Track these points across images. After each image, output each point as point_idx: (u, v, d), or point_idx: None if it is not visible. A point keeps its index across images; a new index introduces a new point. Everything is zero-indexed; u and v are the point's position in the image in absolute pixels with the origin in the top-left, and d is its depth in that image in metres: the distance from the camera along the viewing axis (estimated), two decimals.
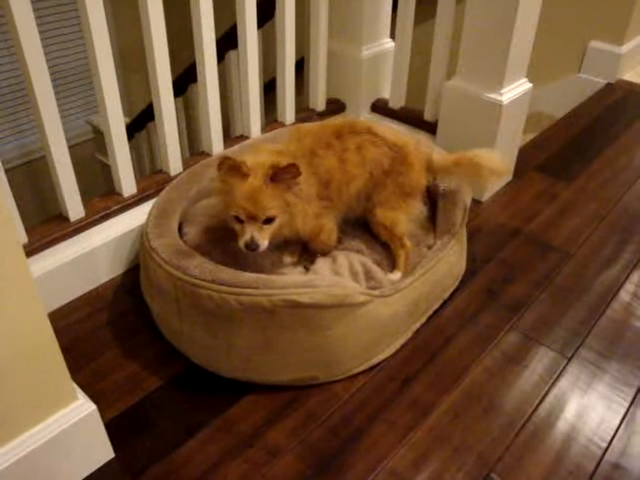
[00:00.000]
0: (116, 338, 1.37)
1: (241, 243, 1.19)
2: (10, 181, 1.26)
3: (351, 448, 1.14)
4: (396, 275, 1.37)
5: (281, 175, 1.15)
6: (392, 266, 1.40)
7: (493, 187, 1.86)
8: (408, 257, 1.39)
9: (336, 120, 1.40)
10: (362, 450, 1.13)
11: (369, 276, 1.31)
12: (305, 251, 1.39)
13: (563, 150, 2.15)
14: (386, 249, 1.42)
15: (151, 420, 1.19)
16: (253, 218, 1.17)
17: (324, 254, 1.38)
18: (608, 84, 2.64)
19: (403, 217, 1.40)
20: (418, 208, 1.44)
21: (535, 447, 1.14)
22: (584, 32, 2.62)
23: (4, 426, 0.94)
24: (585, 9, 2.56)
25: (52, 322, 0.92)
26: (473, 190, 1.56)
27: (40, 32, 1.21)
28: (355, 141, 1.33)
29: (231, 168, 1.16)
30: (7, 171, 1.26)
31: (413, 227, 1.43)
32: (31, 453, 0.96)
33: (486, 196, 1.84)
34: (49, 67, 1.26)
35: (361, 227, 1.44)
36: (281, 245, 1.34)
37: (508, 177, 1.37)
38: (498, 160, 1.39)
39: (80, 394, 1.03)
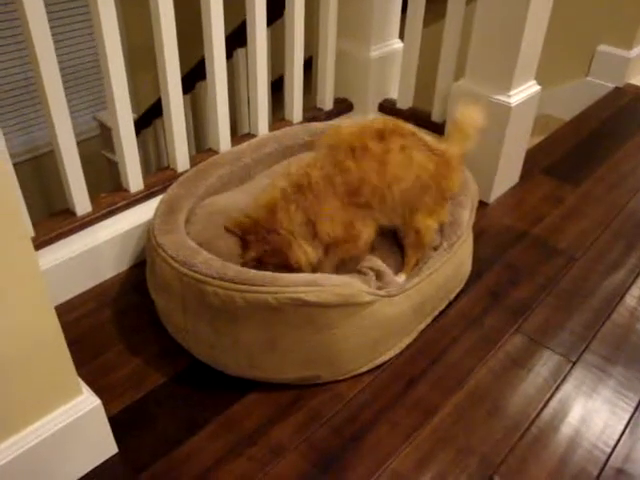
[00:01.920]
0: (121, 333, 1.37)
1: None
2: (18, 175, 1.26)
3: (354, 448, 1.13)
4: (401, 278, 1.36)
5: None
6: (398, 268, 1.39)
7: (499, 189, 1.86)
8: (417, 265, 1.38)
9: (378, 121, 1.36)
10: (365, 450, 1.13)
11: (379, 278, 1.30)
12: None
13: (570, 153, 2.15)
14: (394, 249, 1.41)
15: (155, 416, 1.19)
16: None
17: (352, 262, 1.34)
18: (616, 88, 2.63)
19: (435, 225, 1.37)
20: (447, 214, 1.43)
21: (539, 451, 1.14)
22: (593, 35, 2.61)
23: (8, 419, 0.94)
24: (594, 12, 2.55)
25: (57, 316, 0.92)
26: (480, 191, 1.56)
27: (50, 28, 1.21)
28: (399, 142, 1.28)
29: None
30: (15, 165, 1.26)
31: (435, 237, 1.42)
32: (35, 447, 0.96)
33: (492, 198, 1.84)
34: (58, 63, 1.26)
35: None
36: None
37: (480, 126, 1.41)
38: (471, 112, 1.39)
39: (85, 388, 1.03)
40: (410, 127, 1.33)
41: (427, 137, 1.34)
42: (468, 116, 1.39)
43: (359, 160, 1.25)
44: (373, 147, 1.26)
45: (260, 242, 1.24)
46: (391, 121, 1.34)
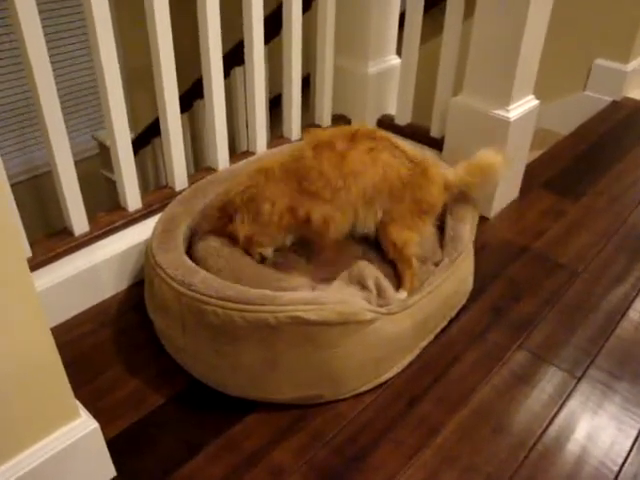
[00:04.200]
0: (119, 354, 1.35)
1: None
2: (16, 195, 1.26)
3: (357, 468, 1.11)
4: (402, 294, 1.35)
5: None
6: (398, 283, 1.38)
7: (500, 203, 1.86)
8: (414, 277, 1.37)
9: (356, 126, 1.39)
10: (368, 470, 1.11)
11: (380, 294, 1.29)
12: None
13: (569, 167, 2.14)
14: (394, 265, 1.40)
15: (154, 438, 1.17)
16: None
17: (322, 246, 1.36)
18: (614, 102, 2.64)
19: (416, 238, 1.36)
20: (430, 229, 1.42)
21: (545, 469, 1.12)
22: (590, 50, 2.63)
23: (4, 443, 0.92)
24: (591, 27, 2.56)
25: (55, 337, 0.91)
26: (480, 206, 1.55)
27: (48, 49, 1.21)
28: (369, 144, 1.30)
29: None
30: (13, 186, 1.25)
31: (422, 249, 1.41)
32: (31, 471, 0.94)
33: (493, 213, 1.83)
34: (56, 83, 1.26)
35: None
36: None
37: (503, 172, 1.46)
38: (496, 154, 1.43)
39: (82, 411, 1.02)
40: (388, 135, 1.35)
41: (406, 146, 1.35)
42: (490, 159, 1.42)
43: (319, 153, 1.29)
44: (338, 145, 1.29)
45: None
46: (369, 128, 1.37)
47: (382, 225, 1.36)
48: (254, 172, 1.34)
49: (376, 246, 1.41)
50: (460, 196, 1.50)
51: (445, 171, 1.43)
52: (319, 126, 2.00)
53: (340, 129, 1.36)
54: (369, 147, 1.30)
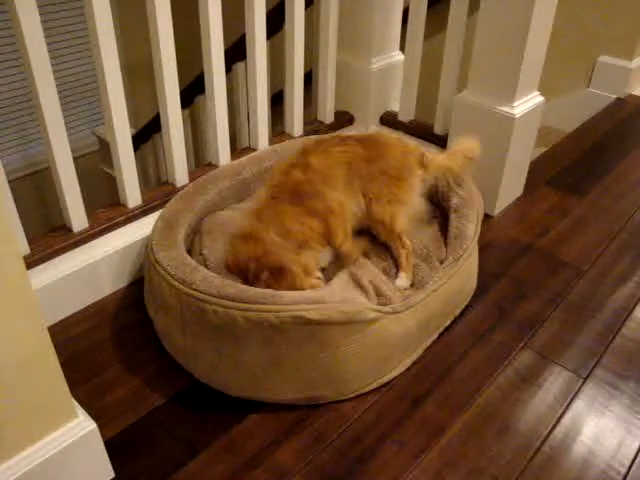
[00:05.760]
0: (118, 353, 1.33)
1: None
2: (15, 191, 1.24)
3: (361, 470, 1.09)
4: (402, 280, 1.33)
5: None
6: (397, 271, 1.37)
7: (504, 201, 1.84)
8: (410, 257, 1.37)
9: (299, 149, 1.45)
10: (372, 472, 1.09)
11: (378, 293, 1.27)
12: None
13: (574, 165, 2.12)
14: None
15: (153, 439, 1.15)
16: None
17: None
18: (618, 99, 2.62)
19: (401, 209, 1.38)
20: (415, 200, 1.44)
21: (551, 471, 1.10)
22: (593, 46, 2.60)
23: None
24: (595, 23, 2.54)
25: (52, 336, 0.89)
26: (484, 203, 1.53)
27: (47, 44, 1.19)
28: (319, 149, 1.39)
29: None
30: (12, 181, 1.24)
31: (412, 225, 1.43)
32: (27, 473, 0.92)
33: (497, 210, 1.81)
34: (55, 78, 1.24)
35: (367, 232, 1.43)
36: None
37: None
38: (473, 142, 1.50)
39: (80, 411, 1.00)
40: (333, 135, 1.46)
41: (355, 134, 1.45)
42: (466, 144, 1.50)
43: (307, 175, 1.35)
44: (314, 163, 1.36)
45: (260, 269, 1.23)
46: (311, 144, 1.44)
47: (366, 209, 1.39)
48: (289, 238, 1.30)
49: (372, 238, 1.42)
50: (464, 194, 1.49)
51: (425, 152, 1.48)
52: (322, 123, 1.98)
53: (291, 160, 1.41)
54: (321, 150, 1.39)
